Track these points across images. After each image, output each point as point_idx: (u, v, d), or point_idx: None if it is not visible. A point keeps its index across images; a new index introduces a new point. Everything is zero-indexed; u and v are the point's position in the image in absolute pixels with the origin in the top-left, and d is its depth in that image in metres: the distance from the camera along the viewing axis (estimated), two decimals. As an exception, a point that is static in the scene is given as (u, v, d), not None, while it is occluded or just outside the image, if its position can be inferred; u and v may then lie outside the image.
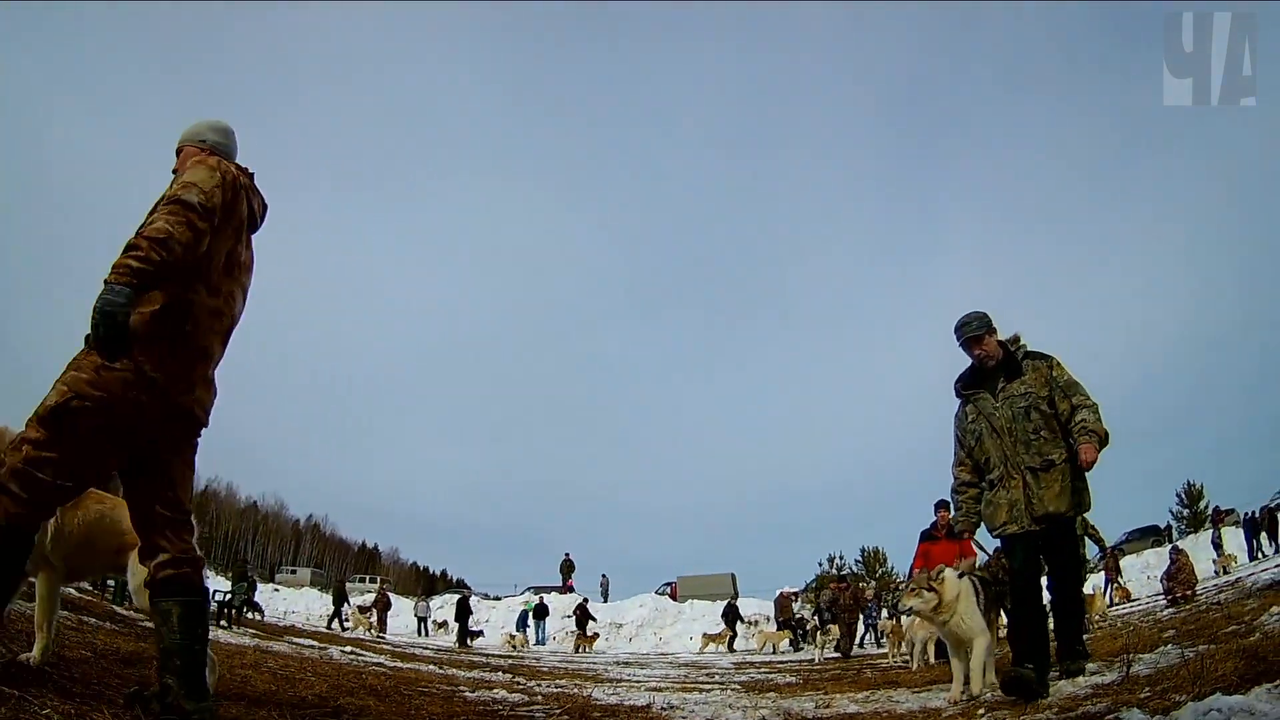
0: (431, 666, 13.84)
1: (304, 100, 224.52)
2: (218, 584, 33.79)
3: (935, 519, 13.15)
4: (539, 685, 10.66)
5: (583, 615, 36.08)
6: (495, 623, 39.73)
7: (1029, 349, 7.20)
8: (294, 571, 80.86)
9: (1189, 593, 17.80)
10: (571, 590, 45.14)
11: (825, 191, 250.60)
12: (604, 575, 47.13)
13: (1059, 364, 6.97)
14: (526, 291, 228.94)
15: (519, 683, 10.77)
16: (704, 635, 34.12)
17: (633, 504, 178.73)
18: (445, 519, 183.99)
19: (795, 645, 31.92)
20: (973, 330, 7.09)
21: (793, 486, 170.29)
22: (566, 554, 47.71)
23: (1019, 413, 6.87)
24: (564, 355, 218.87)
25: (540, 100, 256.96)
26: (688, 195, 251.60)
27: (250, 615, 32.92)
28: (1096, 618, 17.68)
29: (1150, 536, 48.55)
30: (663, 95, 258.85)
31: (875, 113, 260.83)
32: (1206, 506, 51.63)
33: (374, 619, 35.96)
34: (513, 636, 33.98)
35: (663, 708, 7.34)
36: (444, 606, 44.35)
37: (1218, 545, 34.04)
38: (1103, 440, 6.51)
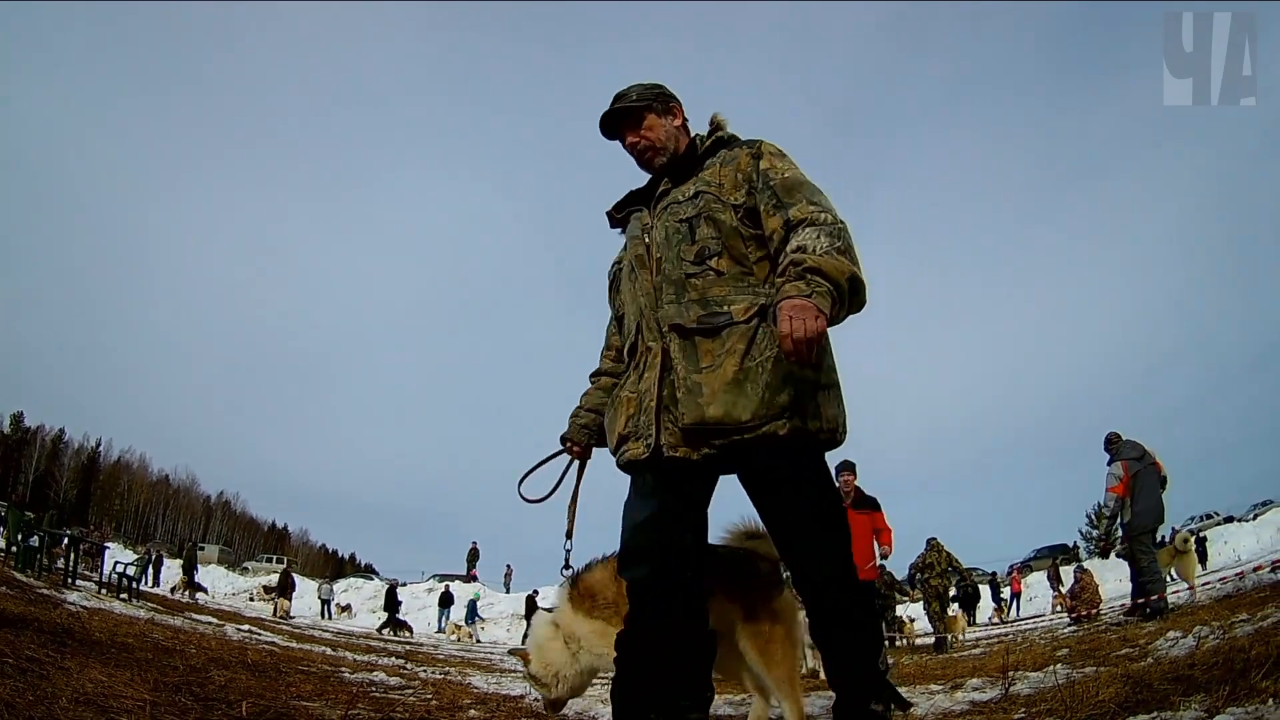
0: (324, 648, 13.68)
1: (234, 80, 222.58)
2: (121, 555, 33.32)
3: (839, 483, 10.51)
4: (425, 671, 10.57)
5: (531, 608, 34.33)
6: (401, 609, 39.46)
7: (730, 135, 3.93)
8: (202, 548, 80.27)
9: (1091, 611, 17.89)
10: (475, 579, 45.08)
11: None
12: (509, 565, 47.07)
13: (776, 152, 3.67)
14: (450, 279, 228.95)
15: (405, 668, 10.69)
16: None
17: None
18: (356, 502, 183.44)
19: None
20: (628, 102, 3.93)
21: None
22: (474, 543, 47.84)
23: (677, 230, 3.66)
24: (482, 344, 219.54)
25: (477, 91, 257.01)
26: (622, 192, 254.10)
27: (189, 596, 32.61)
28: (960, 638, 18.69)
29: (1059, 554, 49.39)
30: (601, 91, 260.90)
31: (814, 120, 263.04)
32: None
33: (278, 597, 35.61)
34: (458, 627, 33.63)
35: (535, 698, 7.20)
36: (348, 590, 44.15)
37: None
38: (838, 292, 3.13)
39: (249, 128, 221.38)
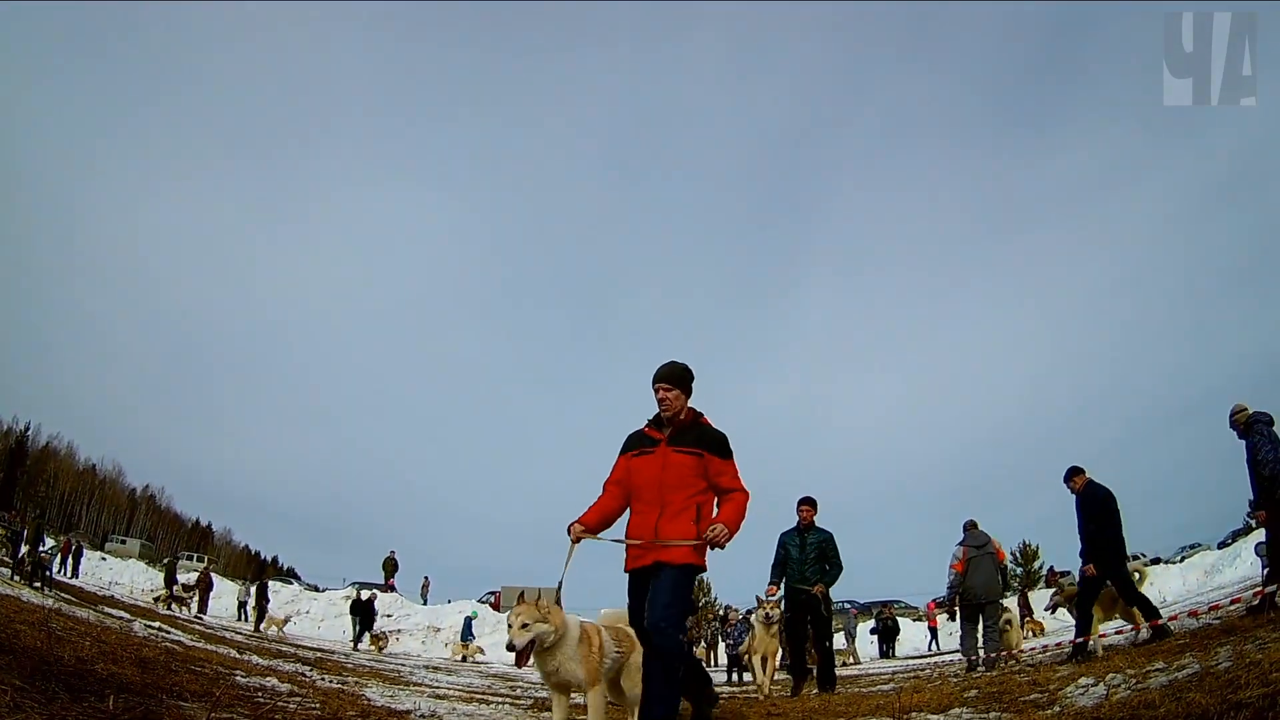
0: (230, 650, 13.45)
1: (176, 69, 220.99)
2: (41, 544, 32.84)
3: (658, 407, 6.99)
4: (325, 680, 10.47)
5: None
6: (316, 615, 38.82)
7: None
8: (124, 541, 79.37)
9: (1012, 651, 17.90)
10: (393, 589, 44.40)
11: (696, 223, 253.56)
12: (426, 577, 46.41)
13: None
14: (384, 282, 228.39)
15: (305, 675, 10.58)
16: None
17: (463, 508, 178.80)
18: (278, 504, 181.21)
19: None
20: None
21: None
22: (391, 552, 46.39)
23: None
24: (412, 351, 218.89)
25: (423, 90, 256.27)
26: (565, 208, 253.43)
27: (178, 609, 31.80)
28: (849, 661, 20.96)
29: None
30: (551, 102, 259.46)
31: (755, 152, 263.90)
32: (1041, 567, 52.94)
33: (194, 598, 34.95)
34: (465, 645, 33.09)
35: (423, 715, 7.11)
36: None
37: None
38: None
39: (186, 120, 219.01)
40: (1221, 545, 44.07)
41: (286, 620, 33.82)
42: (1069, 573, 43.69)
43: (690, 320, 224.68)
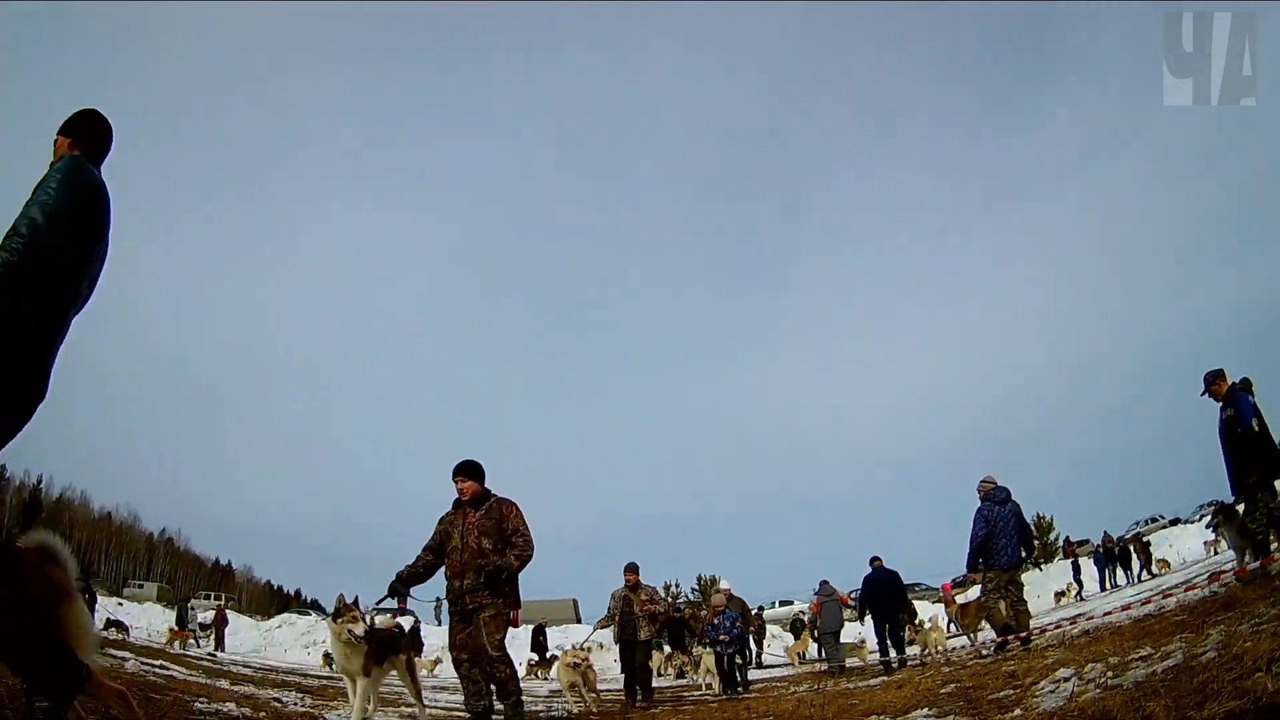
0: (202, 677, 13.41)
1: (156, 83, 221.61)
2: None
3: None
4: (299, 704, 10.68)
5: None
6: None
7: None
8: (141, 586, 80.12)
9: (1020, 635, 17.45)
10: (406, 611, 43.59)
11: (675, 220, 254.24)
12: (438, 598, 45.63)
13: None
14: (381, 309, 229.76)
15: (277, 701, 10.67)
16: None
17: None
18: (297, 537, 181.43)
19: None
20: None
21: (633, 513, 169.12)
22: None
23: None
24: (419, 369, 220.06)
25: (393, 102, 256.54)
26: (543, 211, 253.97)
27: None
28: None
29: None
30: (517, 106, 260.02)
31: (728, 146, 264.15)
32: (1056, 539, 52.34)
33: (210, 635, 34.76)
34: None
35: None
36: (281, 626, 43.12)
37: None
38: None
39: (179, 141, 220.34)
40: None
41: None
42: (1087, 540, 43.40)
43: (670, 318, 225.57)
